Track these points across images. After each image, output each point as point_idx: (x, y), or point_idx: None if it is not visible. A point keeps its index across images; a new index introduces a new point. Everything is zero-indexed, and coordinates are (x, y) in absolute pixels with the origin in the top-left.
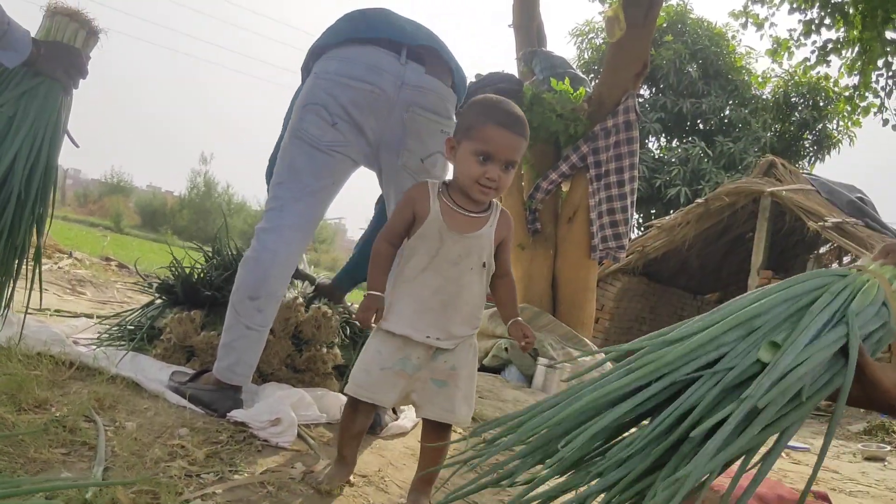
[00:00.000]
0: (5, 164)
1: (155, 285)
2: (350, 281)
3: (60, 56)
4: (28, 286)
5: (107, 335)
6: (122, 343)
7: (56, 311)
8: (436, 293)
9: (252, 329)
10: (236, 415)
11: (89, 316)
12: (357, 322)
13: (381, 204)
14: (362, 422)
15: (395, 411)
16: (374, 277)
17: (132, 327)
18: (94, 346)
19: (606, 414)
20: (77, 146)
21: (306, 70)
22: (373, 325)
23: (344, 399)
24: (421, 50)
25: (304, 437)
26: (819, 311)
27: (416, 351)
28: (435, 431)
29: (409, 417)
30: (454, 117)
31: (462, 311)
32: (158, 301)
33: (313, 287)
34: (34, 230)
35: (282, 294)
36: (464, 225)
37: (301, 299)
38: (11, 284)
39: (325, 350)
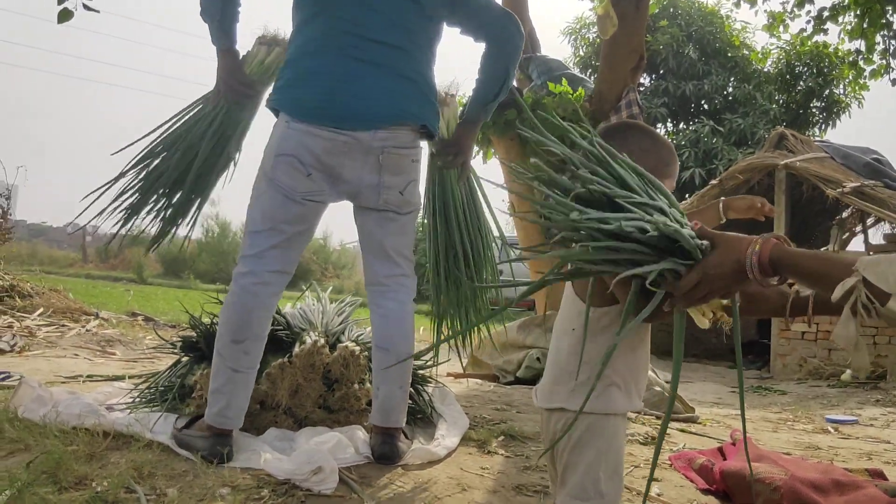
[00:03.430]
0: None
1: (179, 344)
2: (477, 106)
3: None
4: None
5: (139, 398)
6: (156, 405)
7: (88, 376)
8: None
9: (239, 372)
10: (277, 472)
11: (121, 377)
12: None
13: None
14: None
15: (406, 436)
16: None
17: (163, 388)
18: (129, 411)
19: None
20: None
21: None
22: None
23: None
24: None
25: (347, 481)
26: None
27: None
28: None
29: (442, 445)
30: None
31: None
32: (185, 359)
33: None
34: None
35: (265, 335)
36: None
37: (322, 341)
38: None
39: (356, 387)
